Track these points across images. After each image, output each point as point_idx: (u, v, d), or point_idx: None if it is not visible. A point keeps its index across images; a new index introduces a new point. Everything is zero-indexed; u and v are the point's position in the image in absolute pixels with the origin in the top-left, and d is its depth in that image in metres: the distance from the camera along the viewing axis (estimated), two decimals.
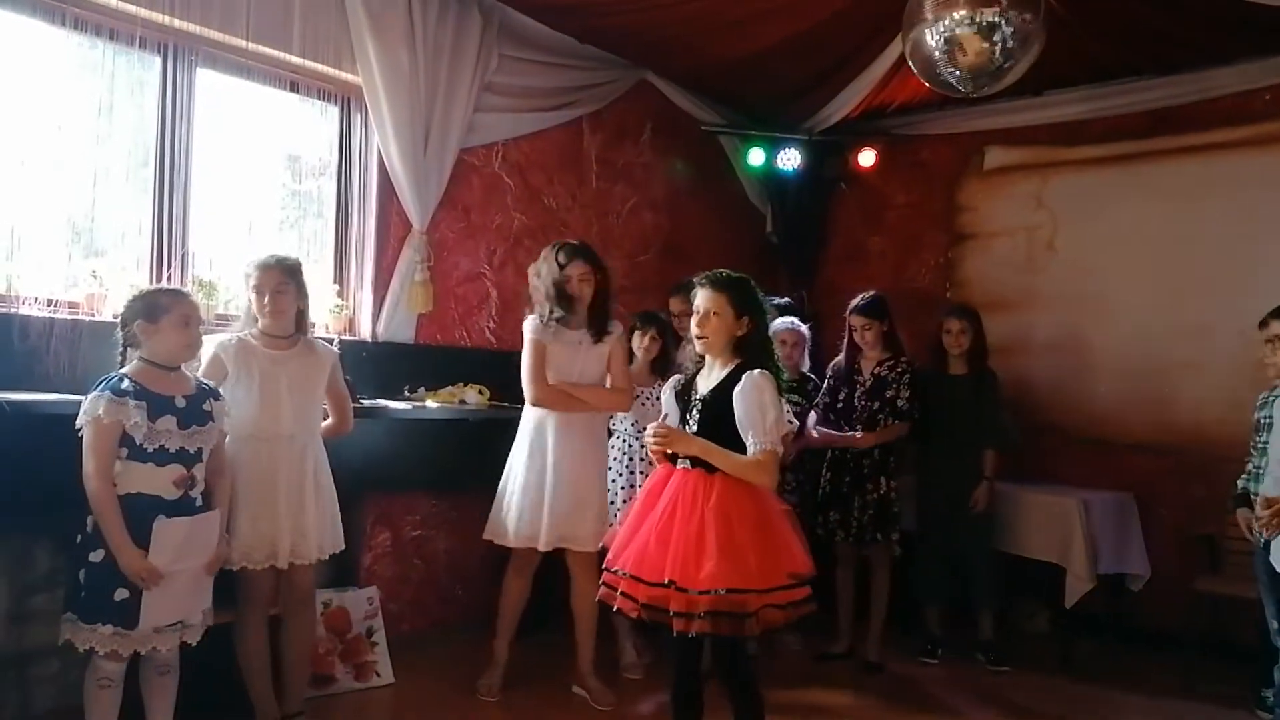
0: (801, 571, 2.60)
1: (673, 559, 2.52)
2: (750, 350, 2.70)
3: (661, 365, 3.98)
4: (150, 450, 2.55)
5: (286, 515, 2.95)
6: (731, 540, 2.52)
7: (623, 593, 2.61)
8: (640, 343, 3.96)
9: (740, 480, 2.60)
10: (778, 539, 2.61)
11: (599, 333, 3.53)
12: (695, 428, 2.70)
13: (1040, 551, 4.43)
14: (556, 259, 3.51)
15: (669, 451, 2.70)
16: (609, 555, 2.72)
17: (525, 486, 3.49)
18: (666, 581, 2.50)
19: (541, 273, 3.53)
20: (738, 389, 2.61)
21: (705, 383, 2.74)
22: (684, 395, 2.79)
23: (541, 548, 3.49)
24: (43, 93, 3.32)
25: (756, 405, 2.58)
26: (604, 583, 2.70)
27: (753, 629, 2.53)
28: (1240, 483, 3.66)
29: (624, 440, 3.97)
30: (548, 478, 3.47)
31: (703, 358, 2.78)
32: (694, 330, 2.73)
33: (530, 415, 3.56)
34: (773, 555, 2.57)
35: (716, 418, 2.65)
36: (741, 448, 2.60)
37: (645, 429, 3.83)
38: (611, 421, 3.90)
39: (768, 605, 2.53)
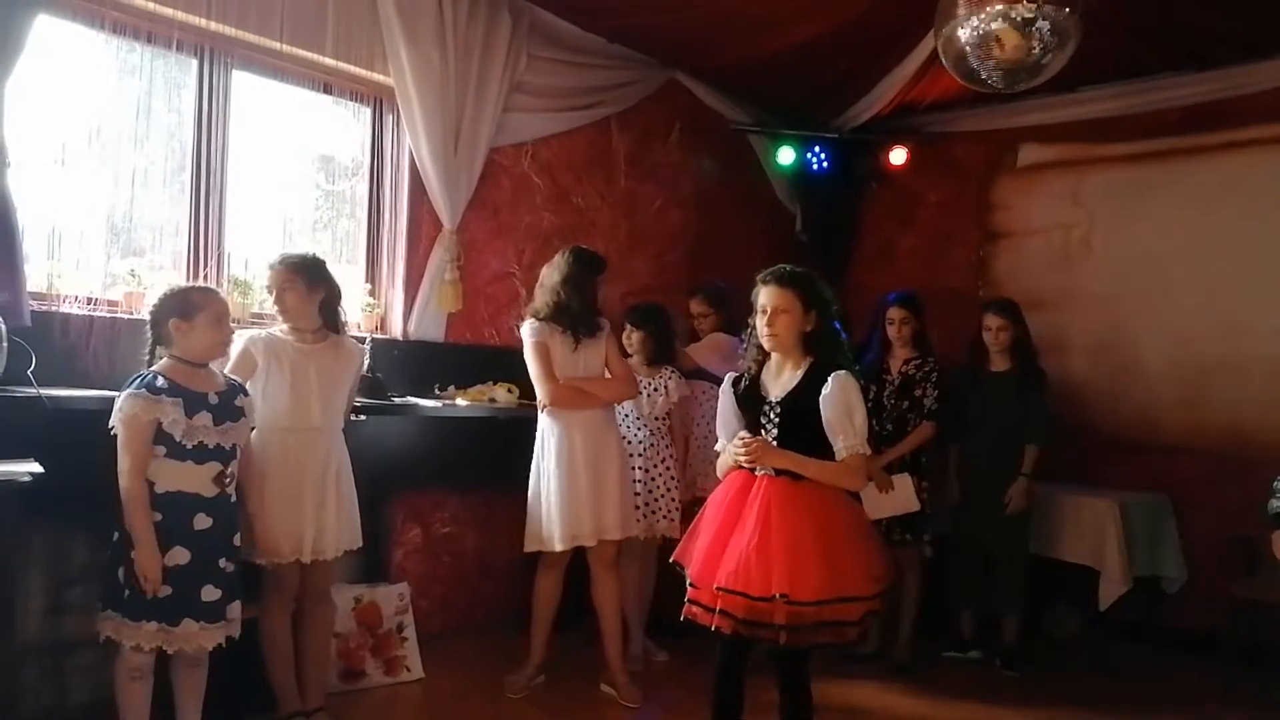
0: (888, 576, 2.61)
1: (779, 571, 2.46)
2: (822, 347, 2.66)
3: (661, 354, 4.05)
4: (189, 447, 2.58)
5: (311, 509, 2.98)
6: (833, 549, 2.50)
7: (721, 610, 2.52)
8: (629, 339, 4.02)
9: (827, 485, 2.58)
10: (867, 544, 2.61)
11: (591, 329, 3.57)
12: (775, 432, 2.64)
13: (1075, 554, 4.38)
14: (579, 266, 3.55)
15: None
16: (693, 570, 2.64)
17: (565, 490, 3.49)
18: (775, 595, 2.44)
19: (562, 276, 3.54)
20: (826, 392, 2.56)
21: (776, 384, 2.69)
22: (750, 396, 2.72)
23: (588, 543, 3.51)
24: (83, 95, 3.38)
25: (844, 407, 2.55)
26: (692, 600, 2.63)
27: (853, 635, 2.53)
28: (1275, 505, 3.54)
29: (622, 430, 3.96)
30: (581, 477, 3.48)
31: (764, 356, 2.73)
32: (762, 329, 2.67)
33: (550, 420, 3.57)
34: (865, 560, 2.57)
35: (799, 420, 2.60)
36: (821, 447, 2.57)
37: (641, 416, 3.95)
38: None
39: (868, 612, 2.53)
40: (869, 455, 2.62)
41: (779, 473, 2.59)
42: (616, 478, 3.56)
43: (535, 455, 3.61)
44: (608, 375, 3.63)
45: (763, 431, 2.66)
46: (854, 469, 2.56)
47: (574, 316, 3.51)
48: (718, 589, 2.53)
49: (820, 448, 2.58)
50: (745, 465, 2.64)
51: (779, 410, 2.65)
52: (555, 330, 3.52)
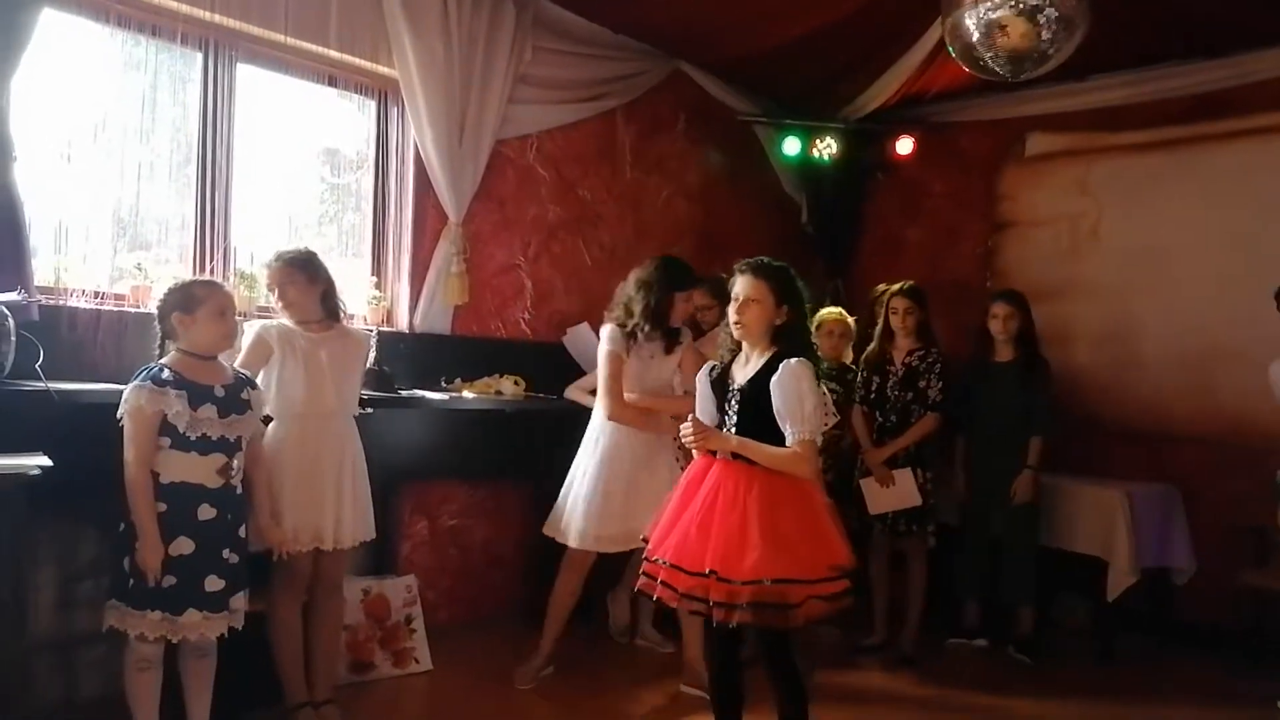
0: (842, 563, 2.58)
1: (714, 549, 2.51)
2: (788, 338, 2.68)
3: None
4: (193, 439, 2.60)
5: (330, 498, 3.00)
6: (776, 531, 2.50)
7: (663, 582, 2.60)
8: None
9: (782, 471, 2.59)
10: (820, 530, 2.60)
11: (668, 345, 3.57)
12: (734, 418, 2.69)
13: (1083, 544, 4.36)
14: (658, 275, 3.51)
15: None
16: (649, 545, 2.72)
17: (599, 494, 3.48)
18: (707, 571, 2.49)
19: (638, 284, 3.52)
20: (775, 378, 2.59)
21: (742, 372, 2.72)
22: (720, 384, 2.78)
23: (611, 549, 3.52)
24: (88, 89, 3.39)
25: (795, 394, 2.56)
26: (643, 572, 2.70)
27: (796, 620, 2.50)
28: None
29: None
30: (619, 485, 3.47)
31: (739, 345, 2.76)
32: (732, 317, 2.71)
33: (605, 423, 3.55)
34: (816, 546, 2.56)
35: (755, 407, 2.64)
36: (780, 434, 2.59)
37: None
38: None
39: (811, 597, 2.51)
40: (818, 443, 2.62)
41: (735, 456, 2.63)
42: (666, 483, 3.52)
43: (583, 448, 3.61)
44: (676, 388, 3.58)
45: (725, 418, 2.72)
46: (802, 456, 2.56)
47: (640, 327, 3.49)
48: (659, 560, 2.62)
49: (779, 433, 2.60)
50: (691, 447, 2.71)
51: (739, 398, 2.69)
52: (629, 339, 3.50)
